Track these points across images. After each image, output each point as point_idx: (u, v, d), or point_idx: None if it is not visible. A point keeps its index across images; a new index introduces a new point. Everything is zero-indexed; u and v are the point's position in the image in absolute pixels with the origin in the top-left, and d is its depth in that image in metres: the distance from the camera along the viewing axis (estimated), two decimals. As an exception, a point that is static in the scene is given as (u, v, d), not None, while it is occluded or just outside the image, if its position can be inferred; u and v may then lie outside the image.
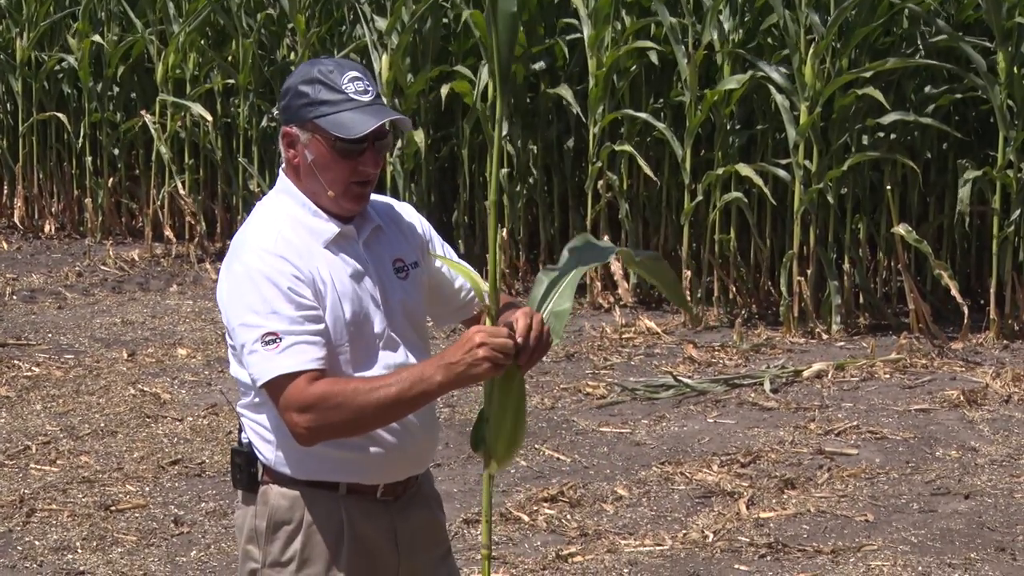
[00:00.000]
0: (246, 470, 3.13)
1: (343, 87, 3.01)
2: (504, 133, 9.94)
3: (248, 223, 3.13)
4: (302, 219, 3.07)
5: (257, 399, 3.08)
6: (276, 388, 2.94)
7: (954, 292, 8.34)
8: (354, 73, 3.04)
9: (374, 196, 3.18)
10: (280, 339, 2.93)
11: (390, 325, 3.09)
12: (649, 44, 9.36)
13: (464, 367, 2.83)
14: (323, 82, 3.02)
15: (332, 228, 3.07)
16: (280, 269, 2.98)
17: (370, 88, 3.04)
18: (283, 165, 3.14)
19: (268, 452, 3.10)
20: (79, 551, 5.58)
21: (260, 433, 3.11)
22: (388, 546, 3.14)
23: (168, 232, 11.45)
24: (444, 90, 9.94)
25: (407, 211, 3.27)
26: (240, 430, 3.17)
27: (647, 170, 9.31)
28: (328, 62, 3.07)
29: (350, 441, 3.02)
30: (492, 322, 2.92)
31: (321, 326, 2.97)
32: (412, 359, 3.11)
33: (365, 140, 3.02)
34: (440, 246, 3.26)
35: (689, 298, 9.20)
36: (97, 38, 11.85)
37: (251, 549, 3.14)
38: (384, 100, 3.09)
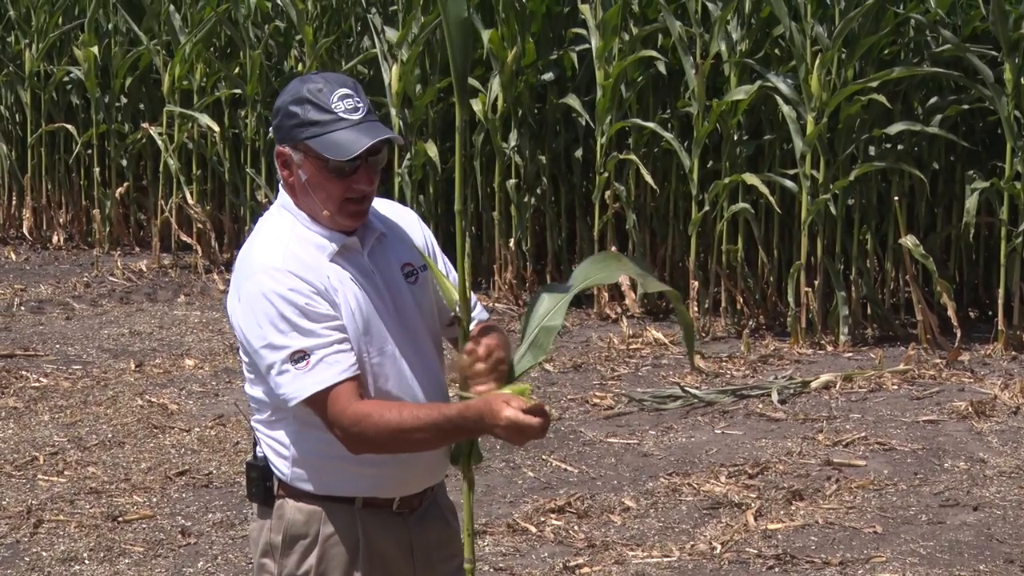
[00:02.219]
0: (261, 484, 3.14)
1: (332, 106, 2.99)
2: (500, 142, 9.94)
3: (252, 240, 3.12)
4: (304, 234, 3.07)
5: (273, 416, 3.08)
6: (317, 404, 2.95)
7: (951, 313, 8.33)
8: (344, 91, 3.01)
9: (377, 200, 3.17)
10: (309, 355, 2.94)
11: (403, 334, 3.09)
12: (654, 54, 9.37)
13: (501, 426, 2.91)
14: (312, 102, 2.99)
15: (335, 242, 3.07)
16: (293, 286, 2.97)
17: (360, 104, 3.01)
18: (278, 173, 3.13)
19: (283, 467, 3.10)
20: (86, 562, 5.58)
21: (276, 449, 3.11)
22: (404, 559, 3.15)
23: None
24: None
25: (409, 216, 3.26)
26: (255, 444, 3.17)
27: (648, 178, 9.31)
28: (317, 79, 3.04)
29: (365, 456, 3.02)
30: (464, 332, 2.97)
31: (345, 334, 2.98)
32: (427, 367, 3.11)
33: (357, 158, 3.01)
34: (441, 258, 3.24)
35: (697, 309, 9.20)
36: (94, 50, 11.87)
37: (267, 562, 3.15)
38: (376, 115, 3.08)
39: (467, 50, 2.93)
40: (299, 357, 2.94)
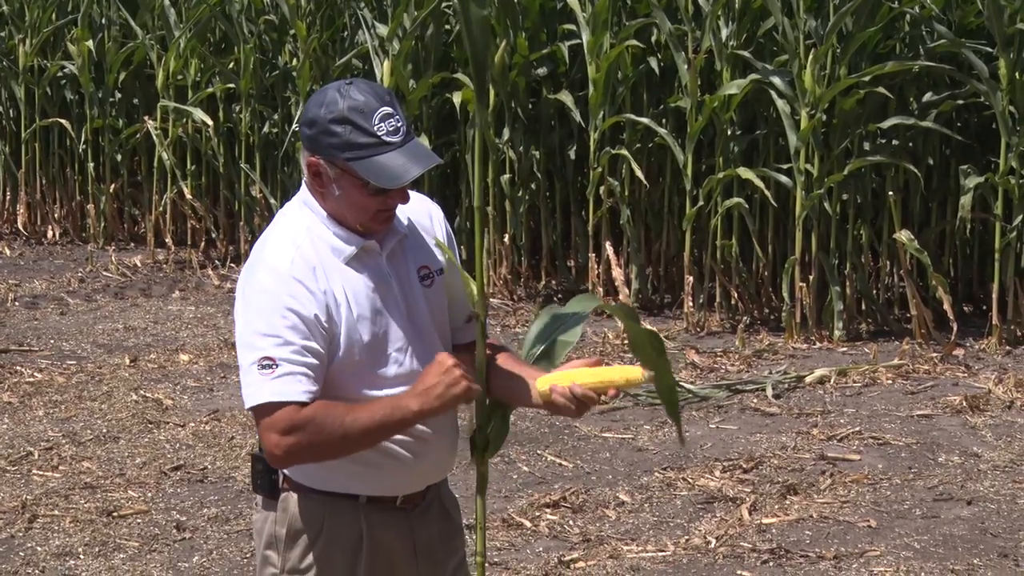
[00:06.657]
0: (267, 476, 3.14)
1: (375, 128, 2.94)
2: (494, 138, 9.94)
3: (268, 233, 3.09)
4: (322, 234, 3.04)
5: None
6: (261, 412, 2.95)
7: (947, 307, 8.34)
8: (385, 110, 2.96)
9: None
10: (276, 366, 2.93)
11: (414, 339, 3.07)
12: (636, 43, 9.32)
13: (443, 388, 2.92)
14: (354, 123, 2.94)
15: (353, 245, 3.04)
16: (292, 293, 2.96)
17: (401, 124, 2.97)
18: (306, 178, 3.07)
19: None
20: (81, 557, 5.59)
21: None
22: (407, 553, 3.15)
23: (167, 242, 11.45)
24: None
25: (434, 215, 3.21)
26: None
27: (639, 173, 9.30)
28: (356, 94, 2.97)
29: (366, 456, 3.03)
30: (481, 329, 2.96)
31: (318, 361, 2.96)
32: None
33: None
34: (457, 259, 3.23)
35: (692, 304, 9.20)
36: (88, 44, 11.86)
37: (270, 555, 3.15)
38: (413, 132, 3.05)
39: (487, 45, 2.91)
40: (266, 364, 2.93)
